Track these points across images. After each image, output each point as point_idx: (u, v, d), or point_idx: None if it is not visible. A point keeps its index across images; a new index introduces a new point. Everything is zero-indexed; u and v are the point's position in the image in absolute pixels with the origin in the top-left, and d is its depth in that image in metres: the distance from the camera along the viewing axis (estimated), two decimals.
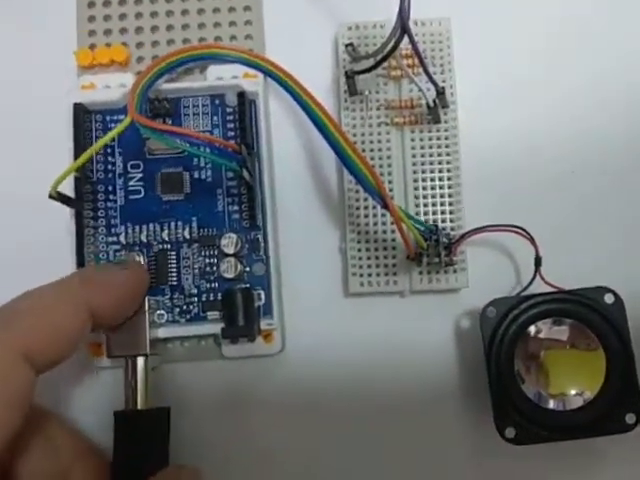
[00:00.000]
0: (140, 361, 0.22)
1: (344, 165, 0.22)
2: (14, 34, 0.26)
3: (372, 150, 0.25)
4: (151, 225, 0.24)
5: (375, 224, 0.24)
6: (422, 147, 0.25)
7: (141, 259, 0.24)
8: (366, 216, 0.24)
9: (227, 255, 0.23)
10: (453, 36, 0.25)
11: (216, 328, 0.23)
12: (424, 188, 0.24)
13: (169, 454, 0.21)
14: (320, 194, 0.25)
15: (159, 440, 0.21)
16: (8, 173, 0.25)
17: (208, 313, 0.23)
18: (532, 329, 0.22)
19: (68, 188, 0.23)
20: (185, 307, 0.24)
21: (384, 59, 0.22)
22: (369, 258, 0.24)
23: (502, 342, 0.22)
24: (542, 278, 0.23)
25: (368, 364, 0.24)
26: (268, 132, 0.25)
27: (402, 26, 0.21)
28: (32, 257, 0.24)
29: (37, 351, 0.18)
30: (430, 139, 0.25)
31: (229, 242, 0.23)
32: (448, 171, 0.24)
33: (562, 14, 0.26)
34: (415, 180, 0.24)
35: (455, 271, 0.24)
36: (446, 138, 0.24)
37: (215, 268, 0.24)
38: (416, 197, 0.24)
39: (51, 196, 0.21)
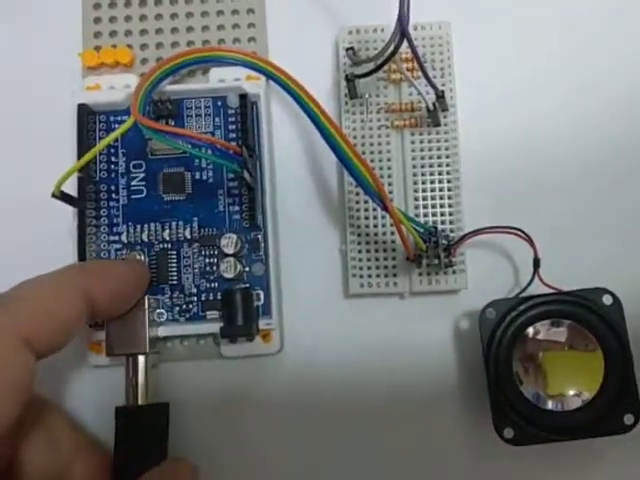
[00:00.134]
0: (141, 359, 0.22)
1: (344, 167, 0.22)
2: (20, 35, 0.26)
3: (372, 152, 0.25)
4: (152, 225, 0.24)
5: (375, 226, 0.24)
6: (422, 150, 0.25)
7: (142, 258, 0.24)
8: (366, 218, 0.24)
9: (227, 255, 0.24)
10: (453, 40, 0.25)
11: (215, 327, 0.23)
12: (424, 190, 0.25)
13: (168, 449, 0.22)
14: (321, 196, 0.25)
15: (159, 434, 0.22)
16: (12, 172, 0.25)
17: (207, 312, 0.24)
18: (531, 330, 0.23)
19: (71, 188, 0.23)
20: (185, 306, 0.24)
21: (384, 63, 0.23)
22: (369, 259, 0.24)
23: (501, 343, 0.22)
24: (541, 279, 0.23)
25: (367, 365, 0.24)
26: (269, 134, 0.25)
27: (402, 30, 0.22)
28: (34, 256, 0.24)
29: (36, 337, 0.18)
30: (430, 142, 0.25)
31: (229, 242, 0.24)
32: (447, 173, 0.24)
33: (561, 16, 0.26)
34: (415, 182, 0.25)
35: (454, 272, 0.24)
36: (446, 141, 0.25)
37: (215, 268, 0.24)
38: (416, 199, 0.24)
39: (54, 195, 0.22)
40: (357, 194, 0.24)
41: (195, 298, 0.24)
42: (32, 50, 0.26)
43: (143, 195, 0.24)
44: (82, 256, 0.23)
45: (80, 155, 0.23)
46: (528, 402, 0.22)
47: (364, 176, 0.21)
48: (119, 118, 0.25)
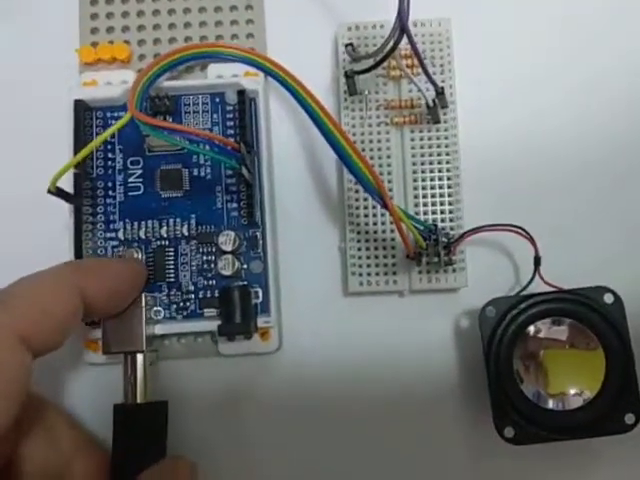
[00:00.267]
0: (139, 357, 0.22)
1: (344, 164, 0.22)
2: (16, 31, 0.26)
3: (372, 150, 0.25)
4: (150, 221, 0.24)
5: (375, 223, 0.24)
6: (422, 147, 0.25)
7: (139, 256, 0.24)
8: (366, 215, 0.24)
9: (225, 252, 0.23)
10: (453, 36, 0.25)
11: (213, 325, 0.23)
12: (423, 188, 0.24)
13: (166, 447, 0.21)
14: (320, 193, 0.25)
15: (157, 432, 0.22)
16: (7, 169, 0.25)
17: (205, 310, 0.23)
18: (531, 329, 0.22)
19: (68, 184, 0.23)
20: (182, 304, 0.24)
21: (383, 59, 0.23)
22: (368, 257, 0.24)
23: (501, 342, 0.22)
24: (541, 278, 0.23)
25: (366, 363, 0.24)
26: (268, 130, 0.25)
27: (401, 27, 0.21)
28: (30, 253, 0.24)
29: (32, 335, 0.18)
30: (430, 139, 0.25)
31: (227, 239, 0.23)
32: (447, 171, 0.24)
33: (563, 13, 0.26)
34: (415, 180, 0.24)
35: (454, 270, 0.24)
36: (445, 138, 0.25)
37: (213, 265, 0.24)
38: (415, 197, 0.24)
39: (50, 191, 0.22)
40: (356, 191, 0.24)
41: (193, 296, 0.24)
42: (28, 47, 0.26)
43: (140, 192, 0.24)
44: (78, 253, 0.23)
45: (76, 151, 0.23)
46: (529, 401, 0.22)
47: (363, 173, 0.21)
48: (116, 114, 0.24)
